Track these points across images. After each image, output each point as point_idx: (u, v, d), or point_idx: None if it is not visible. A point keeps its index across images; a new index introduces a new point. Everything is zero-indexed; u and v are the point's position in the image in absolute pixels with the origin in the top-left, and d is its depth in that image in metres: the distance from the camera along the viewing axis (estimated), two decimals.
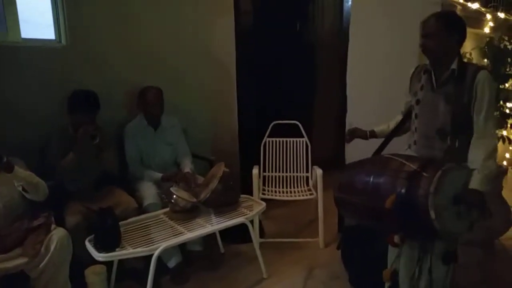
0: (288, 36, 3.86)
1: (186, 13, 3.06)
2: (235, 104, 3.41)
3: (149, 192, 2.42)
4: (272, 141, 3.17)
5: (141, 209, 2.34)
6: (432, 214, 1.49)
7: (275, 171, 3.14)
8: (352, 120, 2.76)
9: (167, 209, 2.31)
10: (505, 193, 2.85)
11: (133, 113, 2.69)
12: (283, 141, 3.17)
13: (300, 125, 3.15)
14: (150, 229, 2.14)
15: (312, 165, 3.07)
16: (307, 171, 3.12)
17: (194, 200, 2.29)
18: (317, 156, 3.21)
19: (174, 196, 2.23)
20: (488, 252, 2.71)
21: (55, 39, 2.53)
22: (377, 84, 2.61)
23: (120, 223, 2.06)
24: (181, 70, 3.05)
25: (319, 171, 2.84)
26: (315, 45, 4.21)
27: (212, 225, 2.20)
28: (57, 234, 1.87)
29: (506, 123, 2.72)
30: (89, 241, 1.96)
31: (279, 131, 3.18)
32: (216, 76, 3.32)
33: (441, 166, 1.56)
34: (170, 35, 2.97)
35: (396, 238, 1.71)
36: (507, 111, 2.68)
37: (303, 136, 3.15)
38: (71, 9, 2.47)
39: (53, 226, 1.93)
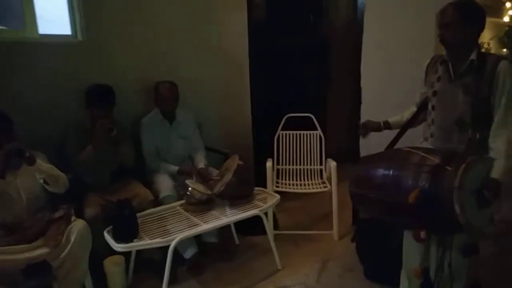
0: (301, 28, 3.82)
1: (199, 8, 3.07)
2: (248, 97, 3.41)
3: (165, 184, 2.46)
4: (286, 134, 3.17)
5: (157, 201, 2.38)
6: (457, 209, 1.46)
7: (289, 164, 3.14)
8: (367, 112, 2.74)
9: (183, 201, 2.34)
10: None
11: (149, 107, 2.72)
12: (296, 134, 3.17)
13: (313, 117, 3.14)
14: (166, 221, 2.17)
15: (326, 157, 3.07)
16: (321, 164, 3.12)
17: (209, 192, 2.32)
18: (331, 148, 3.20)
19: (190, 188, 2.26)
20: (505, 245, 2.67)
21: (72, 35, 2.56)
22: (392, 75, 2.57)
23: (137, 214, 2.10)
24: (194, 65, 3.07)
25: (333, 164, 2.83)
26: (329, 37, 4.17)
27: (227, 217, 2.23)
28: (77, 225, 1.92)
29: None
30: (108, 232, 2.01)
31: (292, 124, 3.17)
32: (229, 70, 3.32)
33: (464, 159, 1.53)
34: (183, 31, 2.98)
35: (423, 234, 1.69)
36: None
37: (316, 129, 3.13)
38: (87, 5, 2.50)
39: (73, 217, 1.99)
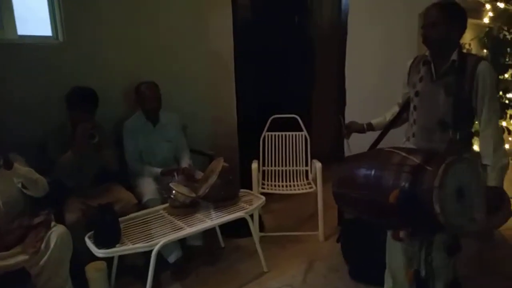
0: (286, 29, 3.83)
1: (183, 7, 3.04)
2: (234, 98, 3.39)
3: (148, 187, 2.43)
4: (271, 135, 3.16)
5: (140, 205, 2.35)
6: (437, 208, 1.47)
7: (275, 165, 3.14)
8: (351, 113, 2.75)
9: (167, 204, 2.31)
10: (505, 185, 2.84)
11: (132, 110, 2.68)
12: (282, 135, 3.16)
13: (299, 118, 3.14)
14: (149, 225, 2.14)
15: (311, 158, 3.07)
16: (306, 165, 3.12)
17: (194, 195, 2.29)
18: (316, 149, 3.21)
19: (174, 191, 2.23)
20: (487, 242, 2.72)
21: (52, 36, 2.51)
22: (376, 76, 2.59)
23: (120, 219, 2.06)
24: (179, 65, 3.04)
25: (318, 165, 2.84)
26: (313, 38, 4.19)
27: (212, 220, 2.20)
28: (57, 231, 1.87)
29: (506, 114, 2.72)
30: (89, 237, 1.97)
31: (278, 125, 3.17)
32: (214, 70, 3.30)
33: (444, 159, 1.55)
34: (167, 30, 2.95)
35: (402, 233, 1.70)
36: (507, 101, 2.66)
37: (302, 130, 3.14)
38: (67, 5, 2.45)
39: (53, 223, 1.93)
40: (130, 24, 2.74)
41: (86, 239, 1.96)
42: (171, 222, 2.16)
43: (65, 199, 2.24)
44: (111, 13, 2.64)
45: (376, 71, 2.59)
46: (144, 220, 2.18)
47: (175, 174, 2.44)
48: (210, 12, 3.23)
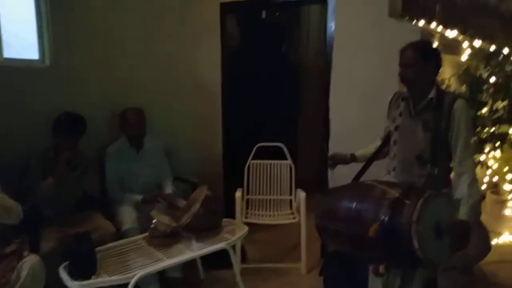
0: (273, 58, 3.92)
1: (171, 35, 3.09)
2: (220, 125, 3.40)
3: (128, 216, 2.38)
4: (256, 164, 3.16)
5: (119, 234, 2.28)
6: (415, 243, 1.49)
7: (259, 194, 3.12)
8: (335, 143, 2.78)
9: (146, 234, 2.26)
10: (483, 219, 2.88)
11: (116, 135, 2.66)
12: (267, 164, 3.17)
13: (284, 147, 3.16)
14: (128, 255, 2.07)
15: (296, 187, 3.07)
16: (290, 194, 3.11)
17: (175, 224, 2.24)
18: (301, 178, 3.21)
19: (154, 220, 2.18)
20: (467, 278, 2.71)
21: (39, 59, 2.50)
22: (359, 108, 2.65)
23: (97, 249, 1.99)
24: (165, 91, 3.06)
25: (302, 195, 2.84)
26: (300, 68, 4.28)
27: (193, 251, 2.15)
28: (29, 261, 1.80)
29: (483, 148, 2.78)
30: (64, 268, 1.89)
31: (263, 153, 3.18)
32: (201, 97, 3.33)
33: (422, 193, 1.57)
34: (155, 56, 2.98)
35: (381, 268, 1.70)
36: (484, 136, 2.74)
37: (287, 159, 3.15)
38: (56, 29, 2.46)
39: (26, 252, 1.86)
40: (116, 50, 2.76)
41: (61, 270, 1.87)
42: (150, 253, 2.10)
43: (41, 227, 2.17)
44: (99, 38, 2.67)
45: (359, 104, 2.65)
46: (122, 250, 2.11)
47: (157, 199, 2.39)
48: (198, 40, 3.28)
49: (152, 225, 2.20)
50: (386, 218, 1.54)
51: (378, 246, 1.57)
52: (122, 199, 2.49)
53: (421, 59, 1.71)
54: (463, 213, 1.62)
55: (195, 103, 3.29)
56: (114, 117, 2.69)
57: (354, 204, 1.68)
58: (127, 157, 2.58)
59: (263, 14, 3.88)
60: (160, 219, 2.20)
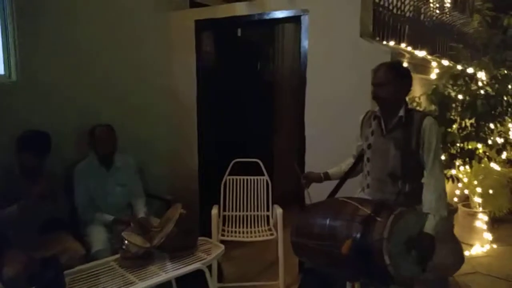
0: (249, 75, 3.94)
1: (146, 51, 3.08)
2: (195, 141, 3.38)
3: (98, 237, 2.30)
4: (233, 179, 3.14)
5: (89, 256, 2.20)
6: (387, 259, 1.51)
7: (236, 210, 3.09)
8: (311, 159, 2.81)
9: (118, 255, 2.18)
10: (456, 231, 2.96)
11: (85, 152, 2.59)
12: (244, 179, 3.15)
13: (260, 163, 3.16)
14: (98, 279, 1.98)
15: (273, 203, 3.06)
16: (267, 210, 3.10)
17: (148, 245, 2.18)
18: (278, 194, 3.21)
19: (126, 241, 2.11)
20: None
21: (5, 74, 2.42)
22: (333, 126, 2.68)
23: (66, 272, 1.90)
24: (140, 107, 3.03)
25: (279, 211, 2.83)
26: (275, 85, 4.33)
27: (167, 272, 2.08)
28: None
29: (454, 163, 2.88)
30: None
31: (240, 169, 3.16)
32: (176, 113, 3.30)
33: (393, 210, 1.60)
34: (129, 72, 2.95)
35: (357, 286, 1.71)
36: (454, 152, 2.83)
37: (263, 174, 3.14)
38: (23, 43, 2.39)
39: None
40: (89, 65, 2.71)
41: None
42: (122, 276, 2.02)
43: (3, 251, 2.05)
44: (68, 53, 2.61)
45: (333, 121, 2.69)
46: (92, 273, 2.02)
47: (129, 223, 2.32)
48: (174, 57, 3.28)
49: (124, 246, 2.12)
50: (358, 235, 1.56)
51: (351, 263, 1.58)
52: (92, 219, 2.41)
53: (393, 78, 1.77)
54: (429, 227, 1.66)
55: (171, 119, 3.26)
56: (83, 134, 2.61)
57: (328, 221, 1.69)
58: (97, 175, 2.51)
59: (239, 32, 3.92)
60: (132, 240, 2.13)
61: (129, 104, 2.94)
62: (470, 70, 3.00)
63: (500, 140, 3.09)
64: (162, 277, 2.04)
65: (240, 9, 3.08)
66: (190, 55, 3.28)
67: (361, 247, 1.54)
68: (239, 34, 3.92)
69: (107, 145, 2.53)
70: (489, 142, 2.98)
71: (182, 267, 2.13)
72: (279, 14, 2.93)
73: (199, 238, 2.47)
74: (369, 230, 1.56)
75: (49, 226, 2.27)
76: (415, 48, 3.21)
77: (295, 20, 2.90)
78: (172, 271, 2.10)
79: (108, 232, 2.37)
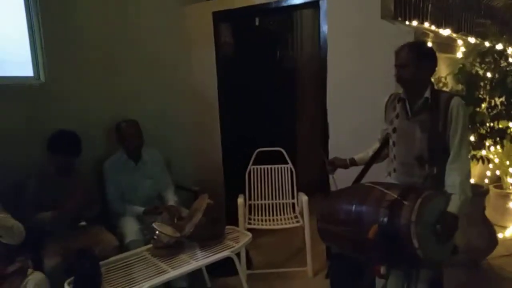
0: (269, 64, 3.92)
1: (166, 47, 3.12)
2: (218, 133, 3.41)
3: (130, 228, 2.37)
4: (257, 169, 3.16)
5: (122, 247, 2.28)
6: (415, 243, 1.49)
7: (261, 199, 3.12)
8: (335, 145, 2.79)
9: (150, 245, 2.25)
10: (488, 213, 2.88)
11: (114, 148, 2.66)
12: (268, 168, 3.16)
13: (284, 151, 3.16)
14: (132, 268, 2.07)
15: (298, 191, 3.06)
16: (293, 198, 3.11)
17: (178, 235, 2.24)
18: (302, 181, 3.21)
19: (157, 231, 2.18)
20: (475, 273, 2.70)
21: (34, 76, 2.51)
22: (356, 111, 2.64)
23: (101, 263, 2.00)
24: (163, 103, 3.08)
25: (304, 198, 2.83)
26: (296, 72, 4.29)
27: (197, 260, 2.15)
28: (34, 279, 1.80)
29: (484, 144, 2.78)
30: (68, 284, 1.89)
31: (263, 159, 3.18)
32: (198, 106, 3.34)
33: (421, 193, 1.57)
34: (150, 68, 3.00)
35: (382, 269, 1.69)
36: (484, 132, 2.74)
37: (287, 163, 3.15)
38: (50, 45, 2.47)
39: (29, 270, 1.86)
40: (112, 65, 2.77)
41: (65, 286, 1.88)
42: (155, 265, 2.10)
43: (43, 244, 2.17)
44: (94, 54, 2.68)
45: (356, 106, 2.65)
46: (126, 263, 2.11)
47: (159, 213, 2.39)
48: (193, 50, 3.31)
49: (155, 236, 2.19)
50: (385, 220, 1.55)
51: (378, 248, 1.57)
52: (124, 212, 2.49)
53: (416, 59, 1.72)
54: (454, 207, 1.63)
55: (193, 111, 3.30)
56: (111, 130, 2.69)
57: (354, 207, 1.68)
58: (126, 170, 2.58)
59: (256, 21, 3.89)
60: (162, 230, 2.20)
61: (151, 101, 2.99)
62: (499, 47, 2.87)
63: None
64: (193, 265, 2.10)
65: None
66: (209, 47, 3.29)
67: (388, 231, 1.53)
68: (257, 23, 3.90)
69: (133, 139, 2.59)
70: None
71: (212, 255, 2.19)
72: (297, 0, 2.89)
73: (227, 227, 2.52)
74: (396, 214, 1.54)
75: (84, 219, 2.37)
76: (439, 26, 3.09)
77: (313, 6, 2.85)
78: (202, 259, 2.17)
79: (139, 224, 2.45)
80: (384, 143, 1.95)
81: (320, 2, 2.74)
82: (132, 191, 2.58)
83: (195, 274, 2.53)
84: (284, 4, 2.96)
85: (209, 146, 3.44)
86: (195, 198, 2.62)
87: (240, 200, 2.85)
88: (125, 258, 2.16)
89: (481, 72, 2.79)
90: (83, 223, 2.17)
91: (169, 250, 2.19)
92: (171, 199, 2.63)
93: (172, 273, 2.01)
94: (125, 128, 2.60)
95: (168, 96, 3.13)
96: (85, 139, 2.37)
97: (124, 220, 2.44)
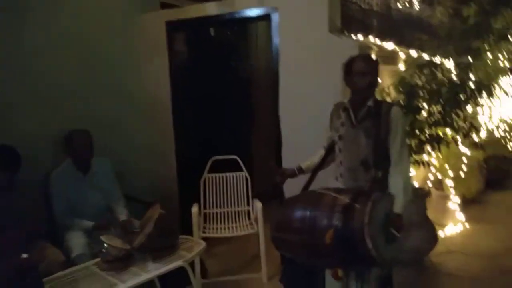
0: (223, 73, 3.95)
1: (118, 54, 3.05)
2: (172, 142, 3.38)
3: (77, 242, 2.27)
4: (212, 177, 3.16)
5: (69, 262, 2.18)
6: (369, 243, 1.57)
7: (216, 207, 3.11)
8: (288, 153, 2.86)
9: (98, 259, 2.17)
10: (430, 213, 3.08)
11: (61, 159, 2.55)
12: (222, 176, 3.17)
13: (239, 159, 3.19)
14: (79, 284, 1.98)
15: (252, 198, 3.10)
16: (248, 205, 3.14)
17: (128, 247, 2.17)
18: (258, 189, 3.25)
19: (105, 244, 2.11)
20: (418, 270, 2.87)
21: None
22: (307, 120, 2.73)
23: (45, 279, 1.89)
24: (114, 111, 2.99)
25: (259, 205, 2.87)
26: (250, 82, 4.36)
27: (148, 272, 2.09)
28: None
29: (424, 149, 2.99)
30: None
31: (218, 167, 3.18)
32: (152, 115, 3.29)
33: (370, 196, 1.66)
34: (101, 75, 2.92)
35: (340, 272, 1.77)
36: (423, 138, 2.95)
37: (242, 170, 3.18)
38: None
39: None
40: (58, 70, 2.66)
41: None
42: (103, 279, 2.02)
43: None
44: (40, 56, 2.56)
45: (306, 115, 2.74)
46: (72, 279, 2.01)
47: (111, 228, 2.30)
48: (146, 59, 3.26)
49: (104, 250, 2.12)
50: (340, 224, 1.62)
51: (335, 251, 1.63)
52: (71, 225, 2.38)
53: (371, 69, 1.85)
54: (399, 207, 1.77)
55: (146, 120, 3.24)
56: (59, 141, 2.57)
57: (308, 214, 1.73)
58: (74, 182, 2.48)
59: (212, 32, 3.92)
60: (111, 242, 2.12)
61: (103, 108, 2.90)
62: (436, 60, 3.12)
63: (465, 125, 3.20)
64: (143, 277, 2.05)
65: (211, 9, 3.08)
66: (163, 56, 3.27)
67: (343, 235, 1.60)
68: (212, 33, 3.93)
69: (84, 150, 2.49)
70: (456, 126, 3.10)
71: (163, 266, 2.15)
72: (250, 12, 2.96)
73: (181, 236, 2.48)
74: (350, 217, 1.61)
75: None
76: (383, 40, 3.30)
77: (266, 18, 2.93)
78: (153, 270, 2.12)
79: (87, 237, 2.35)
80: (329, 149, 2.04)
81: (272, 15, 2.83)
82: (81, 204, 2.47)
83: (147, 287, 2.47)
84: (237, 16, 3.02)
85: (163, 155, 3.39)
86: (148, 208, 2.56)
87: (194, 209, 2.83)
88: (71, 273, 2.06)
89: (420, 83, 3.00)
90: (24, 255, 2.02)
91: (119, 263, 2.12)
92: (122, 212, 2.55)
93: (121, 286, 1.94)
94: (76, 139, 2.49)
95: (120, 104, 3.05)
96: (31, 150, 2.27)
97: (70, 234, 2.33)
